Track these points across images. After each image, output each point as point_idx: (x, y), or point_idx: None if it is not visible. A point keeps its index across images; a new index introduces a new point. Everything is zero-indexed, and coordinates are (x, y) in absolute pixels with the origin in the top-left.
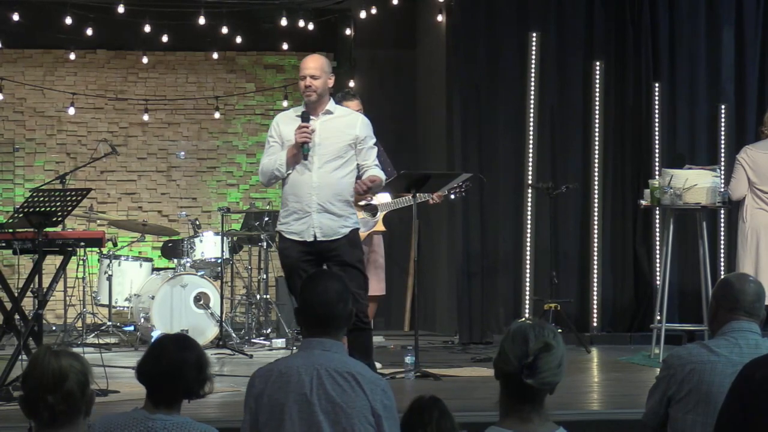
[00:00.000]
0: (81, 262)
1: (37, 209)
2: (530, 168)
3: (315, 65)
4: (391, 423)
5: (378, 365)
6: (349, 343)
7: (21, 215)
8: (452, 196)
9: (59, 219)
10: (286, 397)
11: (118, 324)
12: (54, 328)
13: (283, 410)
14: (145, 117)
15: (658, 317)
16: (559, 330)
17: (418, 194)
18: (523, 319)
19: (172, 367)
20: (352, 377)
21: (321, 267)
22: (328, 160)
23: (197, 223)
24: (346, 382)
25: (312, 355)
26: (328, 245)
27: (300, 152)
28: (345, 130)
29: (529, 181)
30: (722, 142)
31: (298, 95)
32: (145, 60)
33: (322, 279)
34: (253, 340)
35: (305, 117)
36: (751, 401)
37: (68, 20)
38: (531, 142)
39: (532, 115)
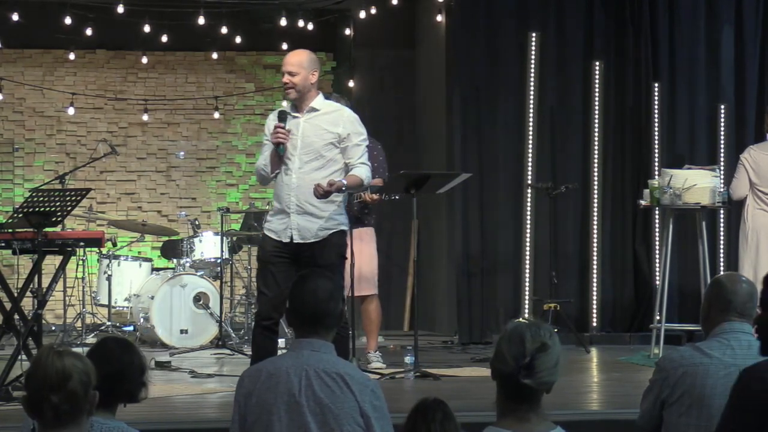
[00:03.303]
0: (80, 262)
1: (37, 209)
2: (530, 168)
3: (293, 61)
4: (383, 423)
5: (383, 365)
6: None
7: (20, 215)
8: (397, 196)
9: (59, 219)
10: (275, 398)
11: (118, 324)
12: (54, 328)
13: (271, 411)
14: (145, 117)
15: (658, 317)
16: (556, 330)
17: (357, 193)
18: (520, 319)
19: (118, 368)
20: (341, 378)
21: (293, 266)
22: (309, 159)
23: (197, 223)
24: (334, 383)
25: (301, 356)
26: (303, 247)
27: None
28: (327, 127)
29: (529, 181)
30: (722, 142)
31: None
32: (144, 60)
33: (311, 278)
34: None
35: (282, 117)
36: None
37: (68, 20)
38: (531, 142)
39: (532, 115)
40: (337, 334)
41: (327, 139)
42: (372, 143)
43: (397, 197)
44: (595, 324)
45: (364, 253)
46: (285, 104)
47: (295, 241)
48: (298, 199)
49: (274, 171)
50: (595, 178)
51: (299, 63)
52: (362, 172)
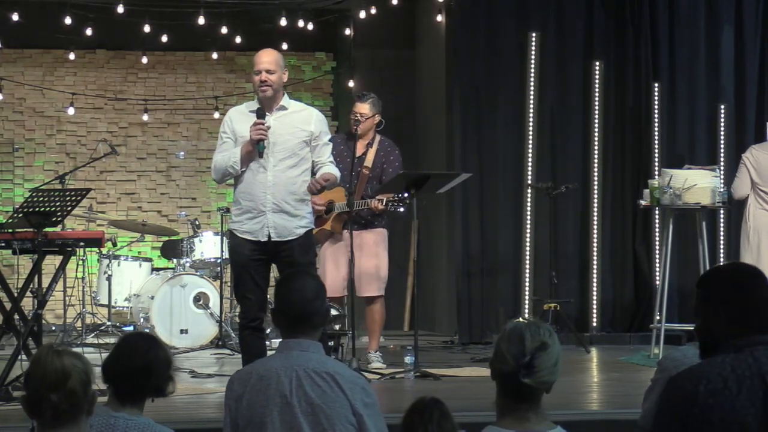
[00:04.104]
0: (80, 262)
1: (37, 209)
2: (530, 168)
3: (270, 59)
4: (376, 420)
5: (383, 365)
6: None
7: (21, 215)
8: (401, 209)
9: (59, 219)
10: (266, 400)
11: (118, 324)
12: (54, 328)
13: (263, 413)
14: (145, 117)
15: (658, 317)
16: (556, 330)
17: (358, 201)
18: (519, 319)
19: (145, 364)
20: (331, 377)
21: (268, 265)
22: (283, 157)
23: (197, 223)
24: (325, 383)
25: (290, 356)
26: (281, 246)
27: (255, 150)
28: (300, 126)
29: (529, 181)
30: (722, 142)
31: (298, 95)
32: (144, 60)
33: (297, 277)
34: None
35: (260, 113)
36: (695, 419)
37: (68, 20)
38: (531, 142)
39: (532, 115)
40: None
41: (300, 137)
42: (391, 147)
43: (402, 209)
44: (595, 324)
45: (378, 254)
46: (250, 102)
47: (273, 240)
48: (274, 197)
49: (242, 168)
50: (595, 178)
51: (275, 61)
52: (335, 170)
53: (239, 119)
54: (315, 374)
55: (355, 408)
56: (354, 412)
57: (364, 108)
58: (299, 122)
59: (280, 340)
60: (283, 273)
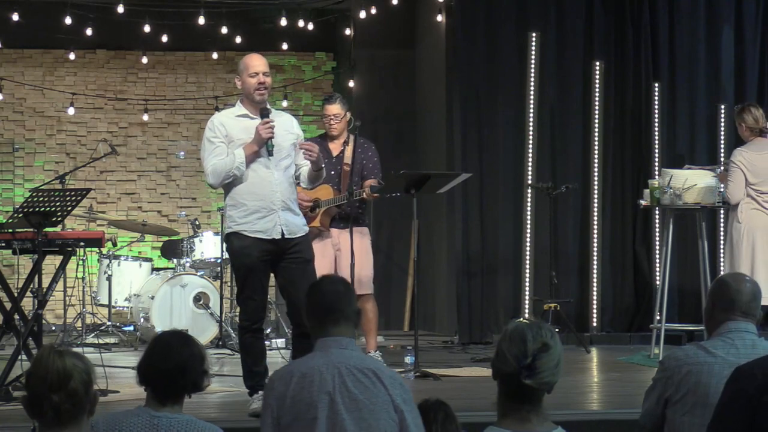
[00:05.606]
0: (81, 262)
1: (37, 209)
2: (530, 168)
3: (264, 63)
4: (414, 416)
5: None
6: (296, 351)
7: (21, 215)
8: (396, 193)
9: (59, 219)
10: (311, 398)
11: (118, 324)
12: (54, 328)
13: (309, 411)
14: (145, 117)
15: (658, 317)
16: (557, 330)
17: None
18: (520, 319)
19: (181, 362)
20: (373, 373)
21: (271, 265)
22: (281, 158)
23: (197, 223)
24: (367, 379)
25: (330, 354)
26: (290, 242)
27: (261, 150)
28: (288, 129)
29: (529, 181)
30: (722, 142)
31: (298, 95)
32: (144, 60)
33: (325, 280)
34: None
35: (266, 113)
36: (764, 408)
37: (68, 20)
38: (531, 142)
39: (532, 115)
40: (304, 335)
41: (290, 139)
42: (367, 144)
43: (397, 194)
44: (595, 324)
45: (366, 252)
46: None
47: (286, 237)
48: (282, 195)
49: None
50: (595, 178)
51: (268, 65)
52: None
53: (230, 124)
54: (357, 371)
55: (396, 403)
56: (395, 407)
57: (335, 108)
58: (286, 125)
59: (292, 339)
60: (312, 282)
